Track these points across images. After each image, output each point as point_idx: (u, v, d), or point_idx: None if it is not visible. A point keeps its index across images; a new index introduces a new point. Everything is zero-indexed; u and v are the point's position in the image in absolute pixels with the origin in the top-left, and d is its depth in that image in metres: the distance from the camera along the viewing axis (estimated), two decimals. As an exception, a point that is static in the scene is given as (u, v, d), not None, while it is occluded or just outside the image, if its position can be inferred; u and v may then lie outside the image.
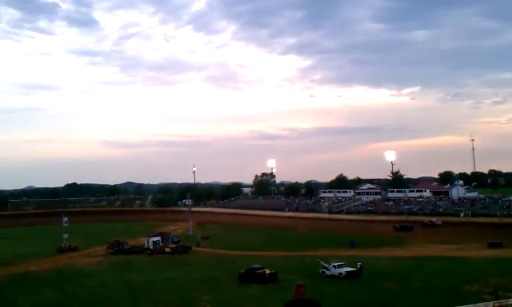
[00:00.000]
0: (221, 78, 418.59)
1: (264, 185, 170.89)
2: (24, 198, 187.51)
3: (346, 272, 47.13)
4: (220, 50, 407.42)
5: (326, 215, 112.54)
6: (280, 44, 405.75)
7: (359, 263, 49.04)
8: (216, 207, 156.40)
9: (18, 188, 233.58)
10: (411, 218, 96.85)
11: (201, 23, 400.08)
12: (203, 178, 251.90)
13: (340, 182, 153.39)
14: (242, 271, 48.77)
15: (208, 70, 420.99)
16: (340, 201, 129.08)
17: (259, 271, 47.64)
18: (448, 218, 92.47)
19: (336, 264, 48.54)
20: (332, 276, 47.36)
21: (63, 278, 55.21)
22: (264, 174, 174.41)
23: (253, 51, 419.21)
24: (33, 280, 54.33)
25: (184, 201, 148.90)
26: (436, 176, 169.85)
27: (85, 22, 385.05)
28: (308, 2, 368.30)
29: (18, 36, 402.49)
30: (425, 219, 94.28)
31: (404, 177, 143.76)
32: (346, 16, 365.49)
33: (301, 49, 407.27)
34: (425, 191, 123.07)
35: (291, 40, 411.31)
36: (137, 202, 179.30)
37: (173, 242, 78.85)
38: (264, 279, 46.19)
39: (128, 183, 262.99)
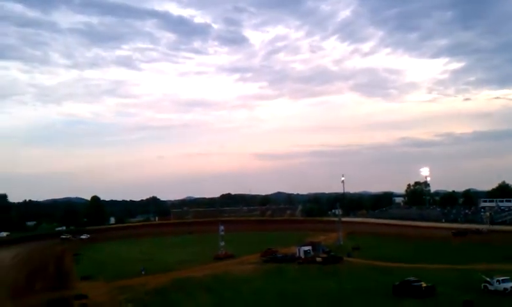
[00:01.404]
0: (369, 85, 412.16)
1: (417, 194, 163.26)
2: (185, 208, 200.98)
3: (512, 287, 43.00)
4: (367, 58, 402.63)
5: (488, 226, 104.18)
6: (430, 46, 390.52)
7: (527, 279, 44.52)
8: (366, 217, 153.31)
9: (179, 198, 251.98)
10: None
11: (347, 32, 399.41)
12: (353, 188, 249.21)
13: (503, 190, 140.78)
14: (397, 283, 46.92)
15: (356, 78, 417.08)
16: (503, 210, 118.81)
17: (415, 284, 45.39)
18: None
19: (500, 279, 44.47)
20: (496, 292, 43.47)
21: (220, 284, 57.96)
22: (416, 183, 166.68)
23: (401, 56, 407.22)
24: (194, 285, 57.76)
25: (333, 210, 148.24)
26: None
27: (235, 40, 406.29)
28: (460, 1, 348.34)
29: (176, 58, 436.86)
30: None
31: None
32: (502, 13, 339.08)
33: (453, 50, 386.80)
34: None
35: (442, 42, 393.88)
36: (288, 212, 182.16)
37: (323, 252, 78.64)
38: (420, 293, 43.89)
39: (279, 194, 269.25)
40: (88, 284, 61.51)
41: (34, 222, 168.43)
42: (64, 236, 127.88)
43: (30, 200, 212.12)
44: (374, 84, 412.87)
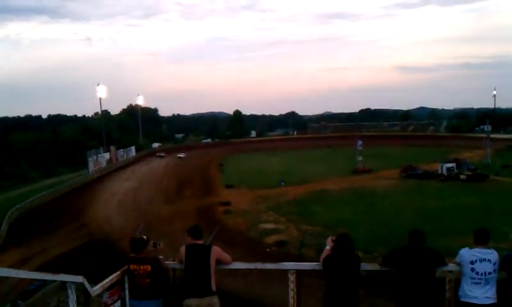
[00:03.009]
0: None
1: None
2: (322, 122, 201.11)
3: None
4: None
5: None
6: None
7: None
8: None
9: (317, 113, 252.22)
10: None
11: None
12: (506, 103, 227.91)
13: None
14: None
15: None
16: None
17: None
18: None
19: None
20: None
21: (356, 197, 58.19)
22: None
23: None
24: (330, 197, 58.78)
25: (481, 127, 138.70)
26: None
27: None
28: None
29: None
30: None
31: None
32: None
33: None
34: None
35: None
36: (431, 127, 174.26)
37: (468, 169, 74.61)
38: None
39: (422, 109, 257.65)
40: (231, 192, 65.36)
41: (182, 135, 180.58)
42: (159, 155, 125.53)
43: (178, 114, 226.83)
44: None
